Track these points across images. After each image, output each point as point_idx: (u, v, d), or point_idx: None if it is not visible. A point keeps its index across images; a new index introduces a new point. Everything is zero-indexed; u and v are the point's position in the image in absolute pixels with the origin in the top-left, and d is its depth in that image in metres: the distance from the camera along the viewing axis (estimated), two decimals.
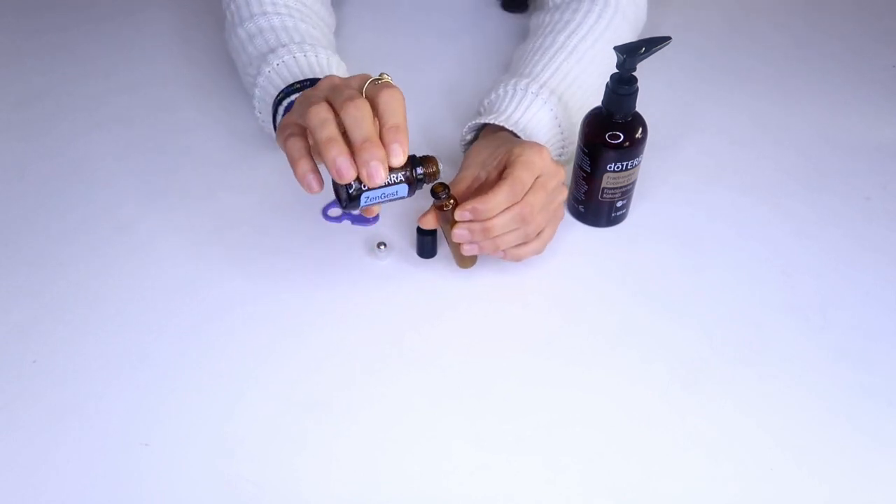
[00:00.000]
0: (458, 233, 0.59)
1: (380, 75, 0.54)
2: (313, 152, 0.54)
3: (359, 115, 0.50)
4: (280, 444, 0.54)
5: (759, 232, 0.70)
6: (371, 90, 0.52)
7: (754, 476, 0.52)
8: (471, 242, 0.60)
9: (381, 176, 0.50)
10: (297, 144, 0.53)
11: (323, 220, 0.71)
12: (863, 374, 0.58)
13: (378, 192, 0.53)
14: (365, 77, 0.54)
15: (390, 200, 0.55)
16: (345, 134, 0.51)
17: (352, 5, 0.98)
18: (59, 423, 0.55)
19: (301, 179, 0.53)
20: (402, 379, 0.58)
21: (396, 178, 0.54)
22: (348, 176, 0.50)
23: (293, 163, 0.53)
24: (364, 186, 0.52)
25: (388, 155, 0.50)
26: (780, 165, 0.77)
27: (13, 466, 0.53)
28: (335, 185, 0.54)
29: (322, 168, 0.54)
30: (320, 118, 0.51)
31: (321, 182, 0.53)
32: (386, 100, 0.51)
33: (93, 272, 0.66)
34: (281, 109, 0.66)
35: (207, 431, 0.55)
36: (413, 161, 0.54)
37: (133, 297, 0.64)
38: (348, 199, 0.53)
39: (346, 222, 0.70)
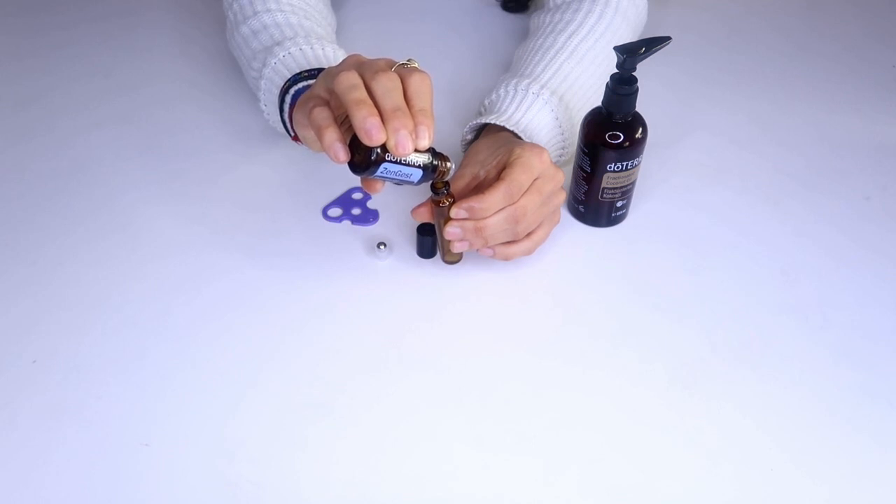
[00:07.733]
0: (451, 231, 0.59)
1: (408, 60, 0.53)
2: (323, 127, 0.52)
3: (391, 86, 0.50)
4: (280, 444, 0.54)
5: (759, 232, 0.70)
6: (400, 71, 0.52)
7: (754, 476, 0.52)
8: (461, 240, 0.60)
9: (408, 147, 0.49)
10: (322, 113, 0.52)
11: (323, 220, 0.71)
12: (863, 374, 0.58)
13: (396, 168, 0.53)
14: (391, 60, 0.53)
15: (399, 182, 0.55)
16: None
17: (352, 6, 0.98)
18: (59, 422, 0.55)
19: (328, 148, 0.51)
20: (402, 379, 0.58)
21: (416, 160, 0.54)
22: (378, 138, 0.49)
23: (320, 131, 0.51)
24: (388, 155, 0.51)
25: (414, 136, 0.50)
26: (779, 165, 0.77)
27: (13, 466, 0.53)
28: (353, 148, 0.52)
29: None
30: (350, 82, 0.50)
31: (348, 153, 0.52)
32: (416, 82, 0.51)
33: (92, 272, 0.66)
34: (288, 98, 0.66)
35: (207, 432, 0.55)
36: (432, 152, 0.55)
37: (133, 297, 0.64)
38: (368, 162, 0.51)
39: (346, 222, 0.70)
